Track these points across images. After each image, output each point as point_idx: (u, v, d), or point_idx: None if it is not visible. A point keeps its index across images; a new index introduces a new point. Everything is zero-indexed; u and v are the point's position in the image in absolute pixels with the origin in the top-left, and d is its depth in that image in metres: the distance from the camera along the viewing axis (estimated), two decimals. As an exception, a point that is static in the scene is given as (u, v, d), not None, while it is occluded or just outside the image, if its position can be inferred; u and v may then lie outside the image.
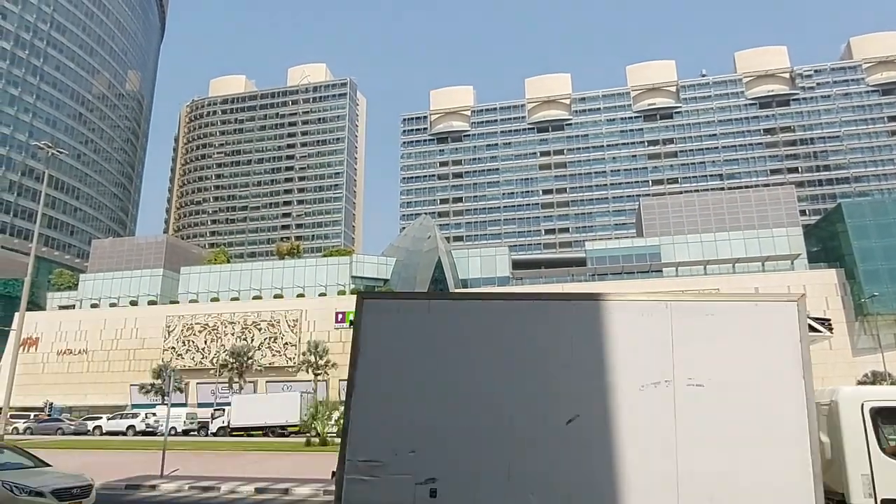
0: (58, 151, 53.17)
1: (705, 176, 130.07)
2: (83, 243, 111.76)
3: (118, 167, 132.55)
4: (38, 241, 53.06)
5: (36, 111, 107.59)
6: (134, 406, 66.11)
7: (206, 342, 75.45)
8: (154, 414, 52.38)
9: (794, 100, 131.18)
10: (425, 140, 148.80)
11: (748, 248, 71.20)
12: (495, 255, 79.21)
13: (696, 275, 69.84)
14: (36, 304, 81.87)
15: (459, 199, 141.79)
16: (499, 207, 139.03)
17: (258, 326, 74.60)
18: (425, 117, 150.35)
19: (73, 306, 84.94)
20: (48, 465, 13.69)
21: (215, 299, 79.80)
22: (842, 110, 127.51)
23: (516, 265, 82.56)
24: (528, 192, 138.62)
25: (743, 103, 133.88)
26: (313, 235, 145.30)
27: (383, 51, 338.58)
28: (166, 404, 37.67)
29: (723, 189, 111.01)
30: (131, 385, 72.51)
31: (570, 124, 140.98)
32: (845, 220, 66.30)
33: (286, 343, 73.26)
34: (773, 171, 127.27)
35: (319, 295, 77.56)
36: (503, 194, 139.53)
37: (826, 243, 71.76)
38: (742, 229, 74.46)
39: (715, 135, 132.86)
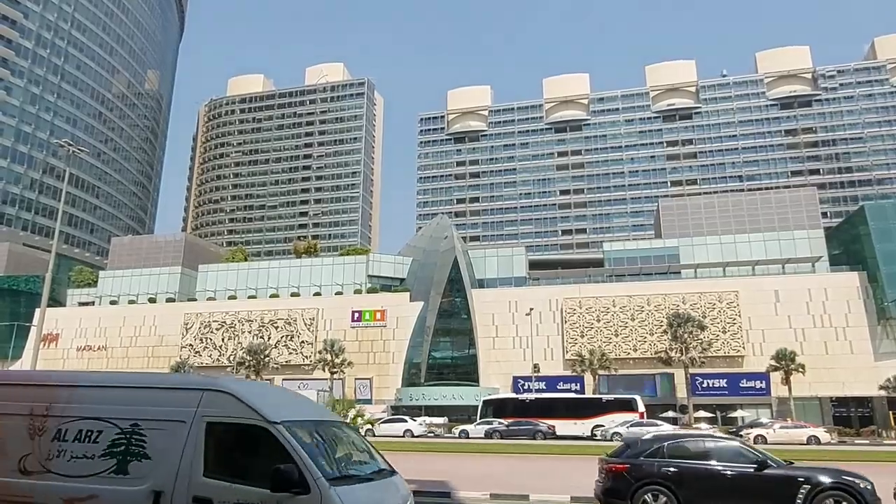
0: (78, 150, 53.58)
1: (725, 177, 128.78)
2: (103, 241, 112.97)
3: (137, 166, 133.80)
4: (58, 239, 53.56)
5: (57, 110, 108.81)
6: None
7: (223, 340, 75.87)
8: None
9: (816, 100, 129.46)
10: (442, 140, 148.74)
11: (768, 251, 70.20)
12: (512, 256, 78.84)
13: (715, 276, 69.09)
14: (56, 301, 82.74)
15: (476, 199, 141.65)
16: (516, 208, 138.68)
17: (275, 324, 74.88)
18: (442, 117, 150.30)
19: (93, 303, 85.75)
20: None
21: (233, 297, 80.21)
22: (865, 111, 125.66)
23: (533, 265, 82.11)
24: (545, 192, 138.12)
25: (764, 104, 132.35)
26: (330, 234, 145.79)
27: (401, 50, 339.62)
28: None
29: (743, 190, 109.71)
30: (149, 382, 73.09)
31: (588, 124, 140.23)
32: (868, 222, 65.15)
33: (303, 341, 73.43)
34: (795, 173, 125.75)
35: (336, 294, 77.71)
36: (520, 194, 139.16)
37: (848, 246, 70.57)
38: (762, 231, 73.40)
39: (735, 136, 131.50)
